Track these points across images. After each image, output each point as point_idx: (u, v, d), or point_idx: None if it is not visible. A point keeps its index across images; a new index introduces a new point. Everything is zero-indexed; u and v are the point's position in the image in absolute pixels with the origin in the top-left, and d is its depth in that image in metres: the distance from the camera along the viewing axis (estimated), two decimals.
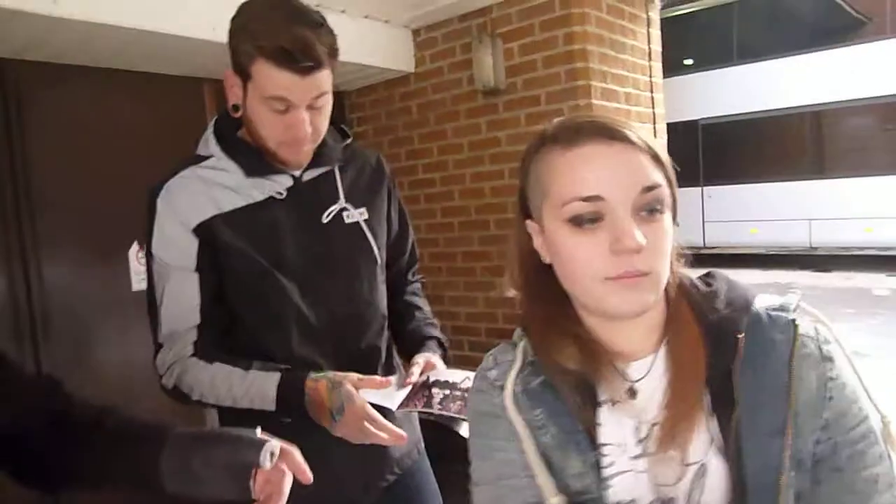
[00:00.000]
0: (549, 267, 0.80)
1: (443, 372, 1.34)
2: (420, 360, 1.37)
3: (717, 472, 0.70)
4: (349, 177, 1.38)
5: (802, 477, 0.68)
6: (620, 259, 0.69)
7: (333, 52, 1.22)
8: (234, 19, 1.22)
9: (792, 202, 10.06)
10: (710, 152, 10.64)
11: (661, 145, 0.75)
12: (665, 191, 0.72)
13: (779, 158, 10.40)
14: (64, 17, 2.16)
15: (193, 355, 1.23)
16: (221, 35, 2.59)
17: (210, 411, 1.36)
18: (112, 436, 0.91)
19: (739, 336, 0.71)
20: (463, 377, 1.27)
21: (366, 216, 1.37)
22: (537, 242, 0.81)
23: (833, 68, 9.57)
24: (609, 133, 0.72)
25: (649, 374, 0.75)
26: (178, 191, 1.25)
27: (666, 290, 0.75)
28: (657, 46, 3.44)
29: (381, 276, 1.43)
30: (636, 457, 0.73)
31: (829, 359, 0.72)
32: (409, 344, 1.46)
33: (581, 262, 0.72)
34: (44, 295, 2.62)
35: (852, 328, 6.09)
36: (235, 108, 1.26)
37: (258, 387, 1.20)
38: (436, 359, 1.38)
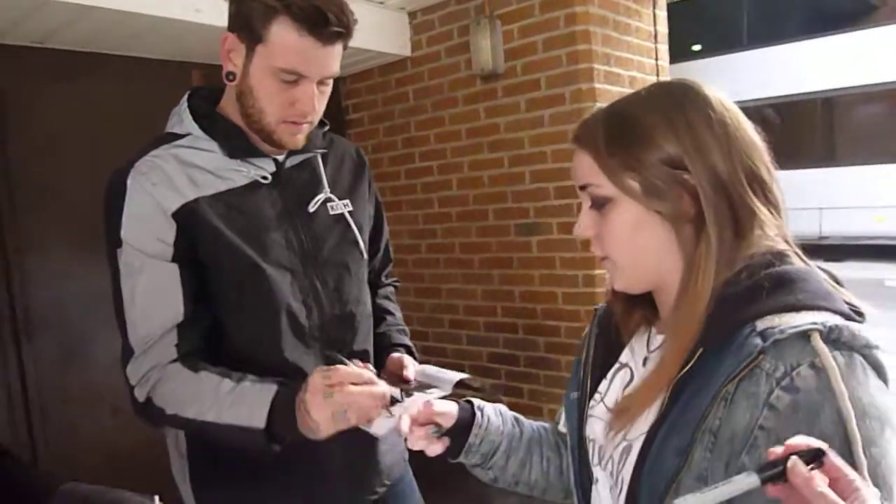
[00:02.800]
0: None
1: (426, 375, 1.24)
2: (407, 361, 1.28)
3: (633, 460, 0.77)
4: (331, 167, 1.29)
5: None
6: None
7: (353, 24, 1.10)
8: None
9: (802, 190, 9.85)
10: None
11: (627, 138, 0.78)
12: (601, 189, 0.80)
13: (789, 146, 10.18)
14: None
15: (175, 361, 1.08)
16: (205, 17, 2.49)
17: (174, 436, 1.24)
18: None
19: (700, 350, 0.72)
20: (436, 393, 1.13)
21: (350, 208, 1.28)
22: None
23: (845, 53, 9.35)
24: (573, 137, 0.85)
25: (657, 351, 0.83)
26: (152, 171, 1.10)
27: (684, 277, 0.77)
28: (663, 28, 3.30)
29: (366, 274, 1.34)
30: (609, 409, 0.85)
31: (772, 407, 0.65)
32: (376, 349, 1.35)
33: None
34: (26, 294, 2.52)
35: (869, 322, 5.92)
36: (230, 76, 1.11)
37: (250, 399, 1.03)
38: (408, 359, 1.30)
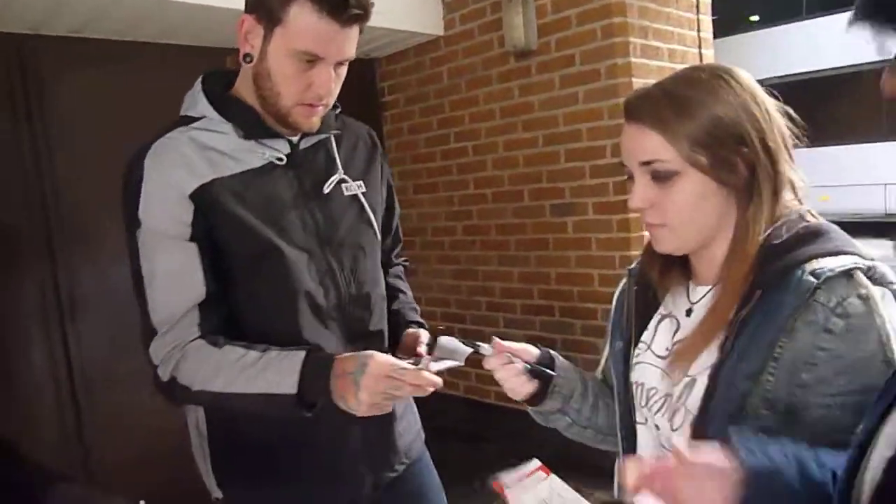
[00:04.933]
0: None
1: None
2: (423, 336, 1.27)
3: (700, 390, 0.86)
4: (344, 148, 1.28)
5: (775, 417, 0.79)
6: (640, 213, 0.92)
7: (371, 6, 1.10)
8: None
9: (866, 166, 9.39)
10: None
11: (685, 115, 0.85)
12: (668, 164, 0.86)
13: (851, 119, 9.67)
14: None
15: (199, 338, 1.09)
16: (237, 3, 2.52)
17: (193, 409, 1.25)
18: None
19: (758, 292, 0.82)
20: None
21: (363, 189, 1.28)
22: None
23: None
24: (627, 111, 0.91)
25: (703, 300, 0.92)
26: (169, 153, 1.11)
27: (737, 234, 0.88)
28: None
29: (379, 255, 1.34)
30: (659, 356, 0.95)
31: (829, 331, 0.77)
32: (391, 326, 1.35)
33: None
34: (69, 276, 2.62)
35: None
36: (247, 58, 1.12)
37: (278, 367, 1.05)
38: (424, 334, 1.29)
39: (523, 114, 3.09)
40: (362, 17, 1.09)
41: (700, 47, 3.14)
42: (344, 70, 1.15)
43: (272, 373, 1.04)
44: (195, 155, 1.12)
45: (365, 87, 3.70)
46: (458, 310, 3.57)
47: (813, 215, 0.89)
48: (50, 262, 2.58)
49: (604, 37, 2.74)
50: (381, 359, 1.02)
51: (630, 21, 2.71)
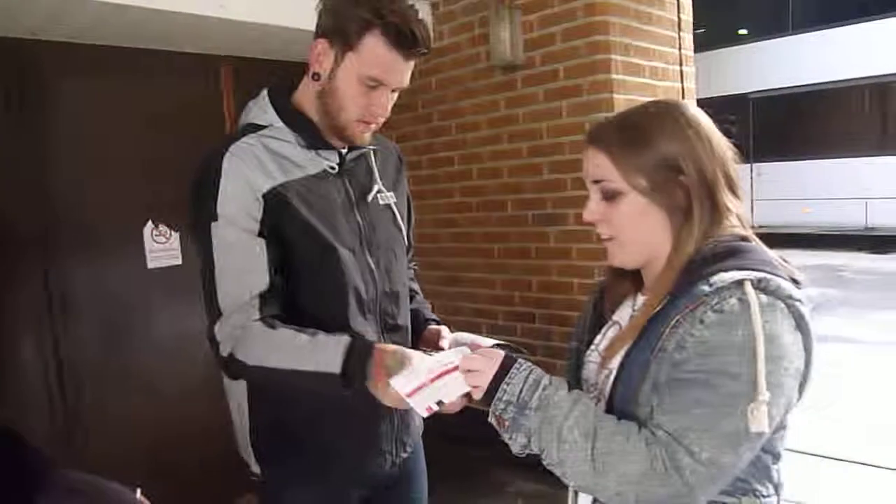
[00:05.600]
0: None
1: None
2: (445, 332, 1.44)
3: (612, 379, 0.99)
4: (379, 162, 1.43)
5: (659, 395, 0.91)
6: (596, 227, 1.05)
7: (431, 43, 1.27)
8: None
9: (848, 180, 9.56)
10: (760, 127, 10.19)
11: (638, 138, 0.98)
12: (613, 184, 0.98)
13: (835, 134, 9.87)
14: None
15: (258, 321, 1.20)
16: (230, 13, 2.57)
17: (235, 392, 1.36)
18: None
19: (668, 297, 0.94)
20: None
21: (395, 199, 1.43)
22: None
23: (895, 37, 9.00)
24: (587, 135, 1.03)
25: (640, 308, 1.03)
26: (246, 155, 1.23)
27: (671, 250, 0.99)
28: (688, 16, 3.26)
29: (406, 258, 1.50)
30: (601, 354, 1.06)
31: (702, 322, 0.88)
32: (412, 322, 1.49)
33: None
34: (61, 276, 2.67)
35: None
36: (315, 76, 1.26)
37: (325, 348, 1.16)
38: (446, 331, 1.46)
39: (508, 125, 3.18)
40: (424, 53, 1.26)
41: (681, 64, 3.25)
42: (397, 93, 1.30)
43: (320, 353, 1.16)
44: (268, 159, 1.25)
45: None
46: (444, 315, 3.60)
47: (747, 238, 0.98)
48: (43, 262, 2.64)
49: (587, 53, 2.84)
50: (417, 361, 1.13)
51: (612, 39, 2.81)
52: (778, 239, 10.44)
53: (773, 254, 0.98)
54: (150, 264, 2.88)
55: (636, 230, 1.00)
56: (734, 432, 0.85)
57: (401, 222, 1.44)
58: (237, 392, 1.35)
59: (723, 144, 1.00)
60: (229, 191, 1.21)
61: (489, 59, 3.16)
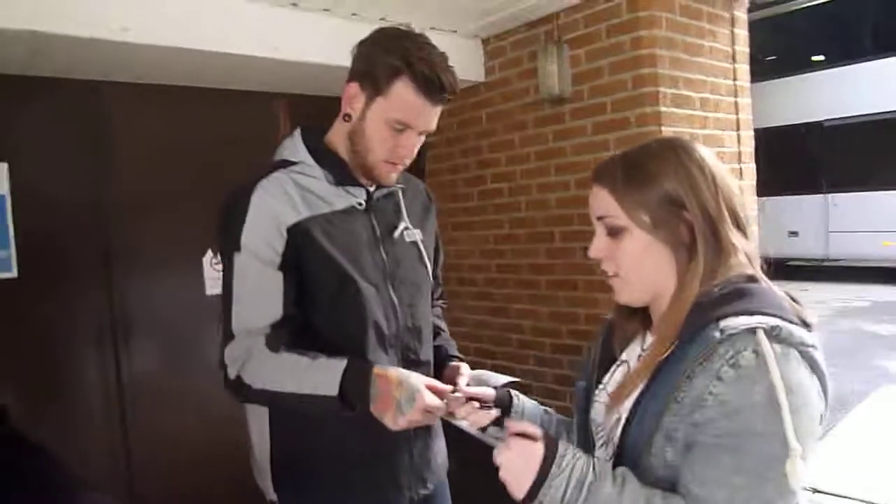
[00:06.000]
0: None
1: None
2: (464, 369, 1.43)
3: (622, 425, 0.97)
4: (408, 200, 1.47)
5: (675, 451, 0.89)
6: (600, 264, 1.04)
7: (458, 89, 1.31)
8: (375, 36, 1.30)
9: None
10: (835, 156, 9.75)
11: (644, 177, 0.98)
12: (617, 220, 0.98)
13: None
14: (134, 43, 2.34)
15: (264, 346, 1.25)
16: (283, 54, 2.69)
17: (257, 417, 1.41)
18: None
19: (676, 342, 0.92)
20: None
21: (421, 237, 1.46)
22: None
23: None
24: (593, 173, 1.04)
25: (648, 349, 1.02)
26: (274, 189, 1.28)
27: (676, 289, 0.98)
28: (743, 47, 3.20)
29: (430, 295, 1.52)
30: (610, 395, 1.05)
31: (720, 379, 0.86)
32: (434, 359, 1.51)
33: None
34: (123, 300, 2.83)
35: None
36: (347, 117, 1.32)
37: (324, 370, 1.20)
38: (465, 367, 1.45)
39: (556, 158, 3.18)
40: (451, 101, 1.31)
41: (736, 95, 3.18)
42: (424, 136, 1.34)
43: (319, 375, 1.20)
44: (296, 194, 1.30)
45: None
46: (491, 346, 3.64)
47: (755, 278, 0.96)
48: (108, 288, 2.80)
49: (634, 86, 2.82)
50: (429, 399, 1.15)
51: (660, 72, 2.78)
52: (854, 273, 9.97)
53: (782, 293, 0.96)
54: (209, 291, 3.02)
55: (640, 267, 0.99)
56: (777, 494, 0.84)
57: (426, 259, 1.46)
58: (259, 418, 1.39)
59: (728, 181, 0.99)
60: (255, 223, 1.26)
61: (538, 93, 3.18)
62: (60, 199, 2.68)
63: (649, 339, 1.05)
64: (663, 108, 2.79)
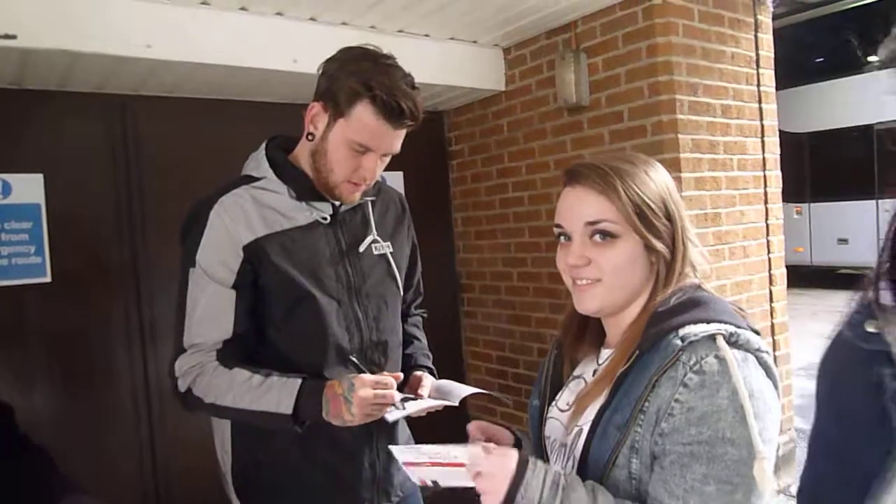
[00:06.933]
0: None
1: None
2: (426, 380, 1.43)
3: (584, 438, 0.96)
4: (378, 212, 1.47)
5: (640, 462, 0.89)
6: (572, 270, 1.00)
7: (421, 115, 1.31)
8: (340, 56, 1.29)
9: None
10: (888, 160, 9.37)
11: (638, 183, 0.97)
12: (614, 226, 0.96)
13: None
14: (159, 59, 2.44)
15: (215, 360, 1.28)
16: (302, 66, 2.77)
17: (220, 429, 1.44)
18: None
19: (636, 352, 0.93)
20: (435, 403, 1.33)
21: (391, 249, 1.46)
22: None
23: None
24: (573, 177, 1.00)
25: (606, 362, 1.01)
26: (233, 207, 1.30)
27: (648, 300, 0.99)
28: (768, 52, 3.13)
29: (400, 307, 1.51)
30: (562, 410, 1.05)
31: (686, 386, 0.86)
32: (403, 367, 1.50)
33: (560, 268, 1.04)
34: (151, 305, 2.95)
35: None
36: (310, 136, 1.32)
37: (278, 390, 1.22)
38: (427, 378, 1.45)
39: None
40: (412, 125, 1.29)
41: (760, 101, 3.12)
42: (388, 159, 1.34)
43: (274, 394, 1.23)
44: (254, 212, 1.31)
45: (435, 138, 3.92)
46: (512, 354, 3.64)
47: (703, 288, 0.99)
48: (136, 291, 2.92)
49: (650, 94, 2.79)
50: (365, 377, 1.21)
51: (677, 79, 2.75)
52: None
53: (727, 301, 0.98)
54: None
55: (625, 273, 0.97)
56: (746, 498, 0.85)
57: (396, 272, 1.45)
58: (223, 430, 1.41)
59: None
60: (211, 241, 1.28)
61: (556, 101, 3.18)
62: (92, 208, 2.83)
63: (605, 353, 1.05)
64: (680, 116, 2.76)
